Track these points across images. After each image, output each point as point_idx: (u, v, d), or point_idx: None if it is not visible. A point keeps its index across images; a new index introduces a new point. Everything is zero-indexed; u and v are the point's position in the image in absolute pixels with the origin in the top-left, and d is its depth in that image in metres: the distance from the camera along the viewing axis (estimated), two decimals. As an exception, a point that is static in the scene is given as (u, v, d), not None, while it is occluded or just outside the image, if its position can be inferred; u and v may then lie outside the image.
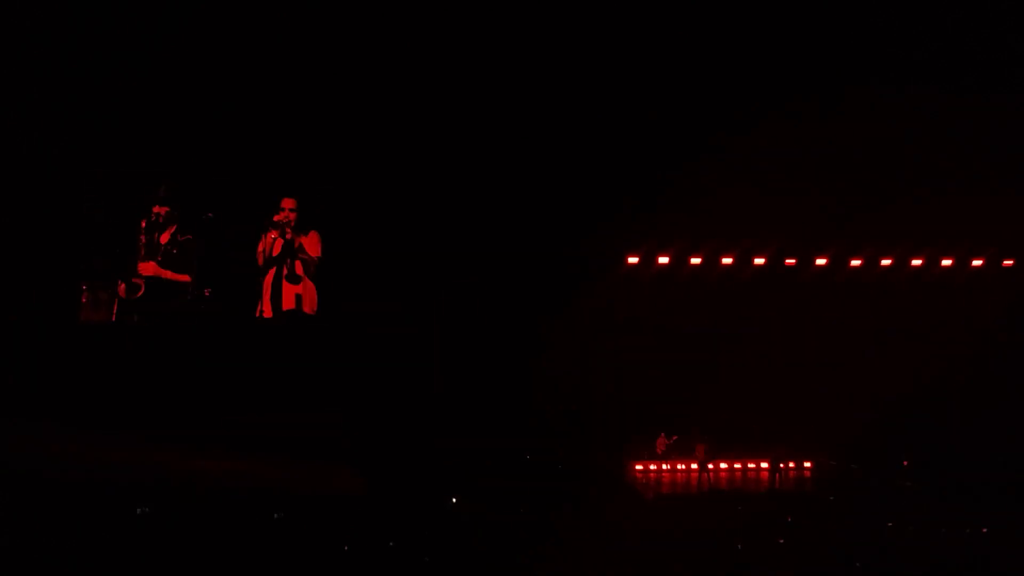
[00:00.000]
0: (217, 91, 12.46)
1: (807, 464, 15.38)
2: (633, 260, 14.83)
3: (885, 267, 15.31)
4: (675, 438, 15.07)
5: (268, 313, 9.97)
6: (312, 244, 9.96)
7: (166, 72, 12.36)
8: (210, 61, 12.28)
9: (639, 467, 14.98)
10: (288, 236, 9.75)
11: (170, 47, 12.20)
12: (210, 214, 9.89)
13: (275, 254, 9.77)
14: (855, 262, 15.22)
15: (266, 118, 12.67)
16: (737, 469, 15.19)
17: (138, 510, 8.48)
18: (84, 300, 9.79)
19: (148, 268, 9.70)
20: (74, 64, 12.42)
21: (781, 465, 14.70)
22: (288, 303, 9.87)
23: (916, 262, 15.29)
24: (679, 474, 14.99)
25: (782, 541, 9.99)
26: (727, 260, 15.00)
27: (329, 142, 13.06)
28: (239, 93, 12.52)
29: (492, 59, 13.07)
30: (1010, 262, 15.46)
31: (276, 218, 9.83)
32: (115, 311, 9.69)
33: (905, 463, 14.45)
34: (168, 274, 9.69)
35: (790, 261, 15.15)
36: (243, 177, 12.16)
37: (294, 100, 12.84)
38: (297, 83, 12.79)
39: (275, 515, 8.91)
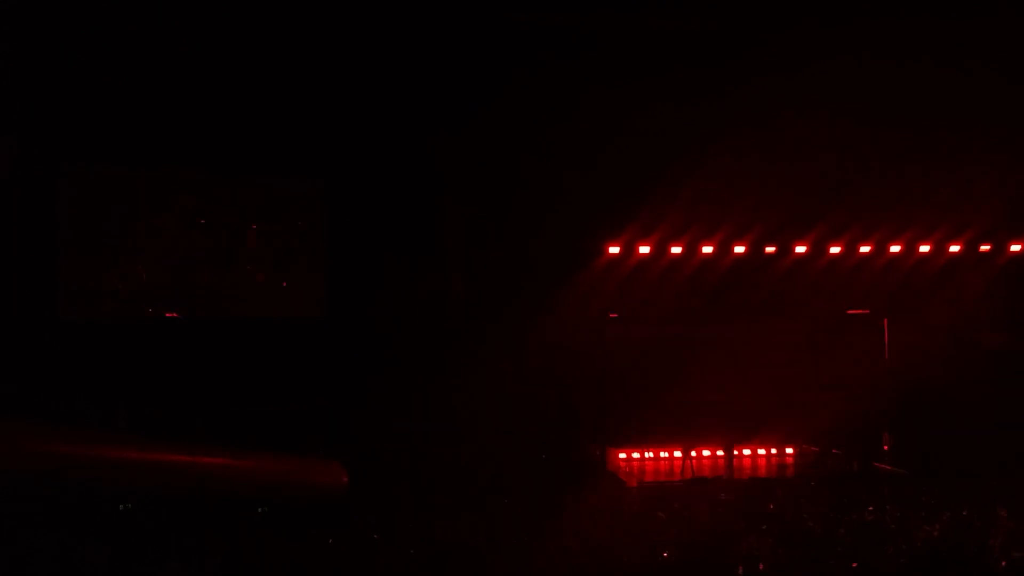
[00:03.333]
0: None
1: (788, 450, 15.48)
2: (614, 250, 14.86)
3: (864, 254, 15.40)
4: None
5: None
6: None
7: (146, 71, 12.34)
8: None
9: (622, 455, 15.03)
10: None
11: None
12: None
13: None
14: (834, 249, 15.30)
15: None
16: (720, 456, 15.27)
17: (121, 507, 8.46)
18: None
19: None
20: (48, 59, 12.34)
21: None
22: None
23: (895, 248, 15.38)
24: (662, 462, 15.04)
25: (765, 527, 10.04)
26: (707, 249, 15.04)
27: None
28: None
29: (472, 48, 13.10)
30: (987, 247, 15.56)
31: None
32: None
33: (885, 447, 14.56)
34: None
35: (770, 249, 15.21)
36: None
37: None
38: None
39: (260, 510, 8.91)
